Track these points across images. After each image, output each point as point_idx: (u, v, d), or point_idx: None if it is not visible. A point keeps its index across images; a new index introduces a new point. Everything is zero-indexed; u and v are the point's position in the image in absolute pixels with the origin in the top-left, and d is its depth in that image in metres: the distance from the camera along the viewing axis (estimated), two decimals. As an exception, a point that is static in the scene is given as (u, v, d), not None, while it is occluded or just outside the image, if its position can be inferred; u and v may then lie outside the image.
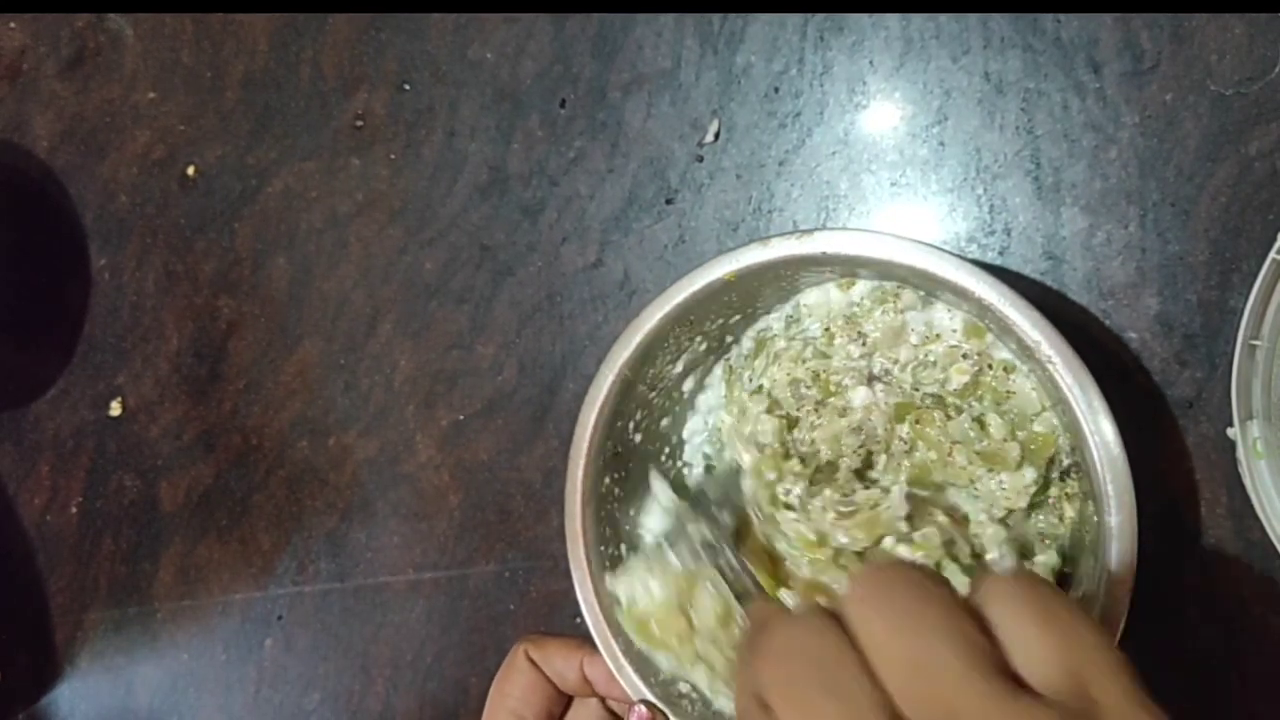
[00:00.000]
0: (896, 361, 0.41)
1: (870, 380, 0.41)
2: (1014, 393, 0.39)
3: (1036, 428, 0.38)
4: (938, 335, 0.40)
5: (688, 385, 0.44)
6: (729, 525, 0.39)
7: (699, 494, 0.41)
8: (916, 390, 0.40)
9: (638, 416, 0.43)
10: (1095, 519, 0.35)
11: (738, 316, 0.43)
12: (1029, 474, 0.38)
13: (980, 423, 0.38)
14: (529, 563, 0.52)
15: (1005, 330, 0.36)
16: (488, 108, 0.52)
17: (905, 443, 0.39)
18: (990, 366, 0.39)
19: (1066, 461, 0.39)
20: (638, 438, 0.43)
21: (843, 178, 0.47)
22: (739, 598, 0.35)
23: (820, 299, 0.42)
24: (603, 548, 0.41)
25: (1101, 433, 0.34)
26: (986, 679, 0.22)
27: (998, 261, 0.44)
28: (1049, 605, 0.23)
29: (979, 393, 0.39)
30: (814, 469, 0.40)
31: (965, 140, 0.45)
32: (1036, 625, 0.23)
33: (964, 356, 0.39)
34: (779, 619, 0.26)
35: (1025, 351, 0.36)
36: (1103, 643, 0.23)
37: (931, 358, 0.40)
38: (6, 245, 0.61)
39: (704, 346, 0.43)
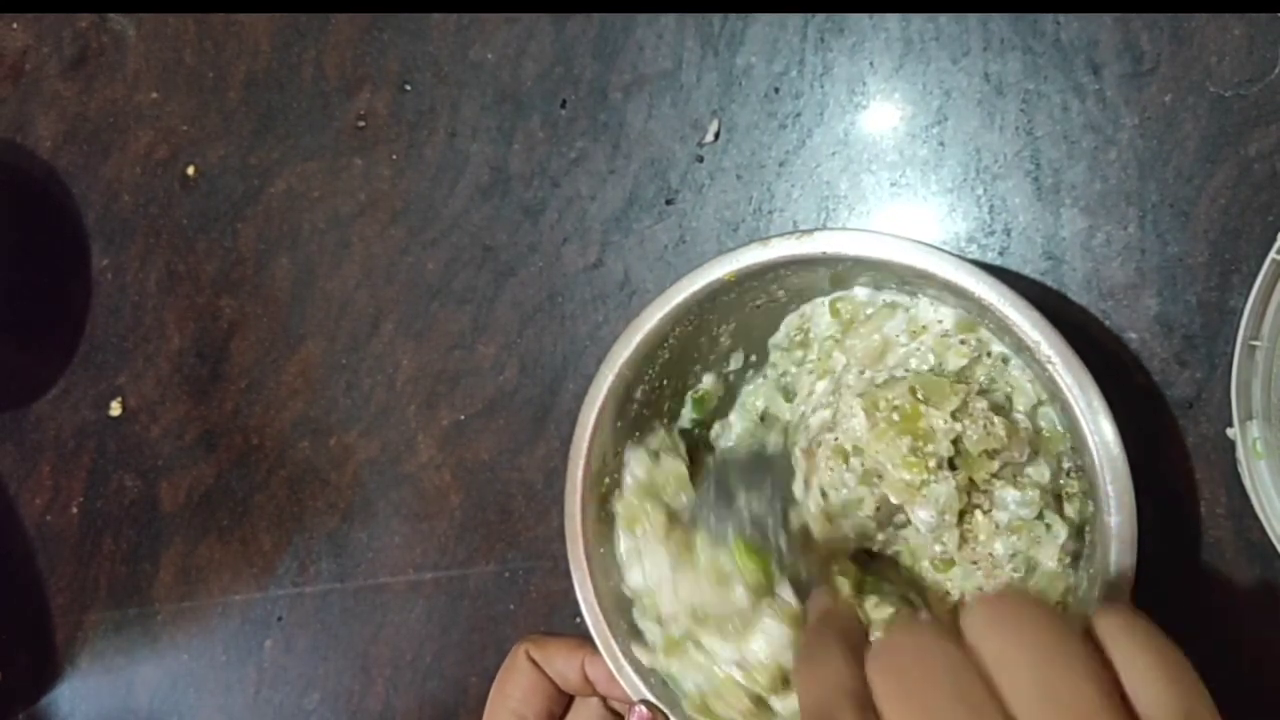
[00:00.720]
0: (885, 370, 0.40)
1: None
2: (1013, 386, 0.39)
3: (1040, 422, 0.38)
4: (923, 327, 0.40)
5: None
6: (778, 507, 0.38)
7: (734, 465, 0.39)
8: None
9: (638, 416, 0.43)
10: (1095, 519, 0.35)
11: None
12: (1045, 470, 0.38)
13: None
14: (529, 563, 0.52)
15: (1004, 330, 0.36)
16: (489, 108, 0.53)
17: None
18: (989, 354, 0.39)
19: (1068, 464, 0.39)
20: (638, 437, 0.43)
21: (843, 178, 0.47)
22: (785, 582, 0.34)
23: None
24: (602, 549, 0.41)
25: (1101, 433, 0.34)
26: (1115, 714, 0.22)
27: (998, 262, 0.45)
28: (1164, 645, 0.24)
29: (978, 375, 0.39)
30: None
31: (965, 141, 0.45)
32: (1157, 666, 0.23)
33: (962, 342, 0.39)
34: (903, 629, 0.25)
35: (1025, 352, 0.36)
36: (1205, 688, 0.23)
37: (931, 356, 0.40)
38: (9, 245, 0.61)
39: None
